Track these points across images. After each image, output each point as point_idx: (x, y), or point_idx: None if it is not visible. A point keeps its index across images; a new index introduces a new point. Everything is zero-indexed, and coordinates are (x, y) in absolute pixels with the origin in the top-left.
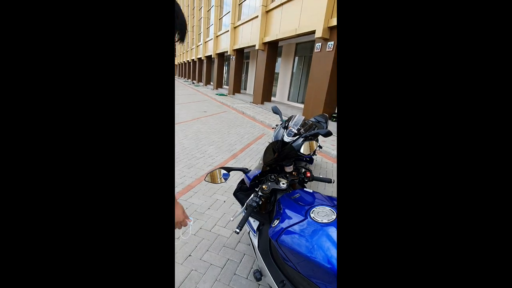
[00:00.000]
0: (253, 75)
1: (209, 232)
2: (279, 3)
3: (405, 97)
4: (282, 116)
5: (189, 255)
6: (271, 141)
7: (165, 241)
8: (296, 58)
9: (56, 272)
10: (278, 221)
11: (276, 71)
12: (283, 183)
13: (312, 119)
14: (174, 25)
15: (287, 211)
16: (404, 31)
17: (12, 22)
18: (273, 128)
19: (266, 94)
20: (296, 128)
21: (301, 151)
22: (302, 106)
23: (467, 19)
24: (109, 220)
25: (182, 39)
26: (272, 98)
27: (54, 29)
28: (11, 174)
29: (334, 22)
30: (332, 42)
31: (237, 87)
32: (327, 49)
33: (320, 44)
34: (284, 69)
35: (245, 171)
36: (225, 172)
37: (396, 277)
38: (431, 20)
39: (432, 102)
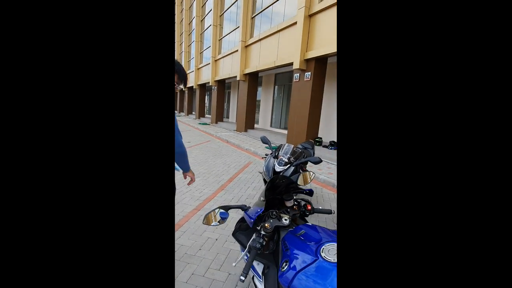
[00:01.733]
0: (235, 104)
1: (202, 278)
2: (257, 39)
3: (403, 105)
4: (271, 145)
5: None
6: (261, 171)
7: (165, 242)
8: (276, 87)
9: (59, 270)
10: (286, 265)
11: (257, 98)
12: (285, 219)
13: (300, 146)
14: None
15: (295, 251)
16: (400, 40)
17: (12, 22)
18: (262, 157)
19: (249, 121)
20: (287, 157)
21: (297, 183)
22: (285, 132)
23: (458, 28)
24: (114, 223)
25: (184, 85)
26: (255, 125)
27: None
28: (12, 174)
29: (309, 54)
30: (309, 73)
31: (220, 116)
32: (305, 79)
33: (298, 74)
34: (265, 97)
35: (243, 208)
36: (222, 211)
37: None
38: (423, 27)
39: (426, 114)
